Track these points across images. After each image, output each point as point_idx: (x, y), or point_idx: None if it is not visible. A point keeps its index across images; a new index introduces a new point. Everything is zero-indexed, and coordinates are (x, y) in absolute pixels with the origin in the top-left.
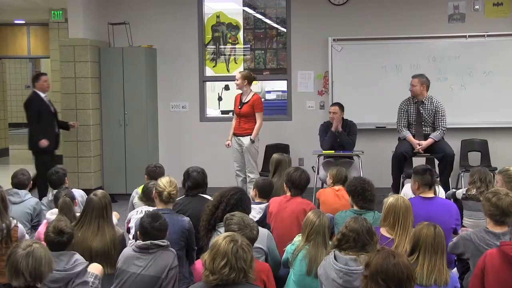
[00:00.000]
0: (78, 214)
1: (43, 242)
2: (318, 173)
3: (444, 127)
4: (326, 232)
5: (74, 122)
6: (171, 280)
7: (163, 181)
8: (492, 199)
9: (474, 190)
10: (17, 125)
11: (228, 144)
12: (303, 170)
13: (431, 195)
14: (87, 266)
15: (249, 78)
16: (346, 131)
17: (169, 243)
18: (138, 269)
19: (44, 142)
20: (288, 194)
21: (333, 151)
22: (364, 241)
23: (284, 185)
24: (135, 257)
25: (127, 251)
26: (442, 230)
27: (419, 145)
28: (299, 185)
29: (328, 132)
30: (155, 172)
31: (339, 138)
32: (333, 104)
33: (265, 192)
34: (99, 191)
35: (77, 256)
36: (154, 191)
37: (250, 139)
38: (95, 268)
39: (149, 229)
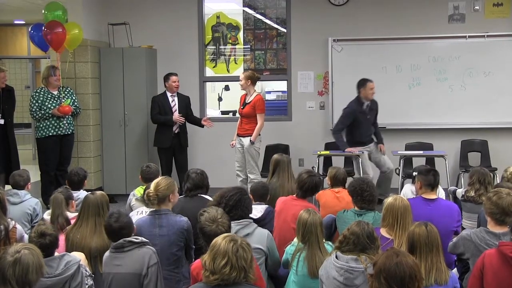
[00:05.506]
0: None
1: None
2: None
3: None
4: (319, 230)
5: (206, 120)
6: (152, 277)
7: (152, 183)
8: (493, 197)
9: (473, 192)
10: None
11: (232, 144)
12: (314, 175)
13: (433, 196)
14: (79, 263)
15: (252, 78)
16: (373, 109)
17: (146, 240)
18: (118, 269)
19: (175, 115)
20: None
21: (327, 152)
22: (364, 245)
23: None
24: (113, 257)
25: (106, 254)
26: (434, 227)
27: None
28: (303, 187)
29: (341, 146)
30: (146, 172)
31: (375, 128)
32: (371, 80)
33: (258, 195)
34: (98, 192)
35: (68, 257)
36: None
37: (250, 141)
38: (78, 256)
39: (109, 229)
